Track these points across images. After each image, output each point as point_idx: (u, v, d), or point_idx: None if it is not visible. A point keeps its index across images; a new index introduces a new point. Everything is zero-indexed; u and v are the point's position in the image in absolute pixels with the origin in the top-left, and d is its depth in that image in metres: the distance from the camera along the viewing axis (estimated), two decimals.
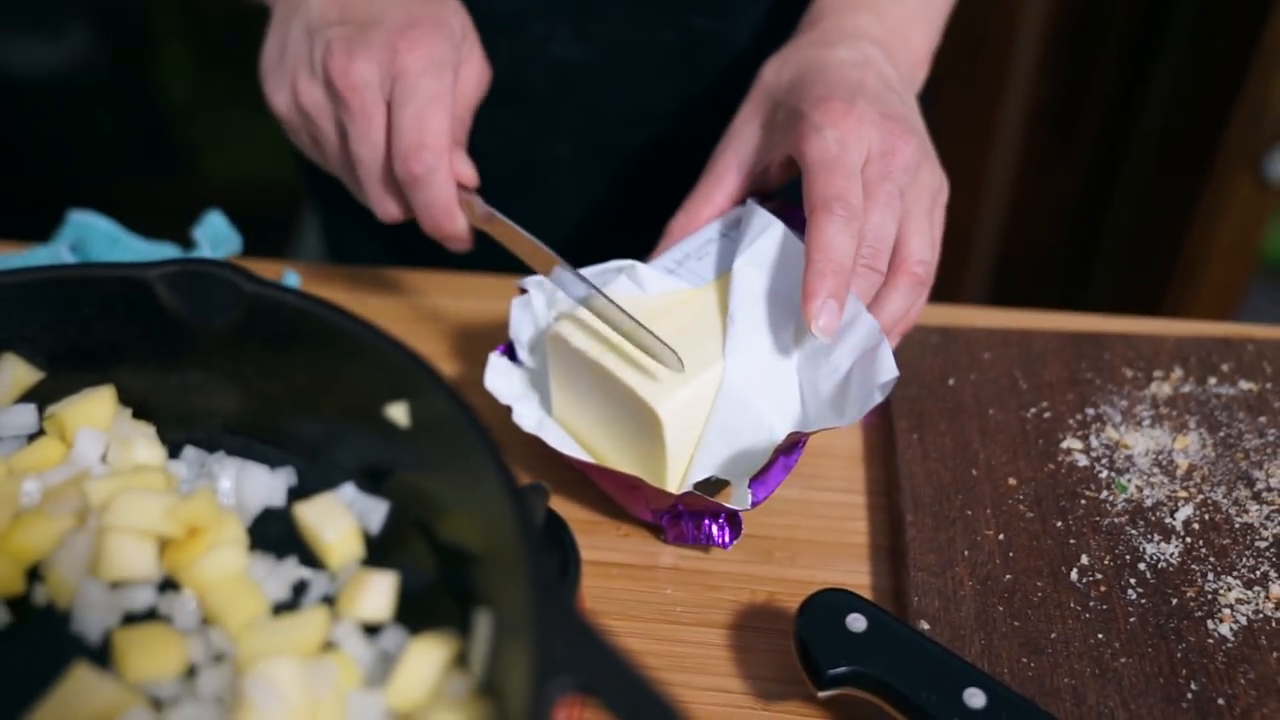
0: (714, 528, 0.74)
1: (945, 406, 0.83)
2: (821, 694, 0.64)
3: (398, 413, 0.55)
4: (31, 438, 0.62)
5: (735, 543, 0.74)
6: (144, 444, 0.60)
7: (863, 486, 0.81)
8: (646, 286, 0.77)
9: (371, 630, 0.54)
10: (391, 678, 0.50)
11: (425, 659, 0.51)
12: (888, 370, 0.71)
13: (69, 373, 0.62)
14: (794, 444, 0.73)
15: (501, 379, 0.79)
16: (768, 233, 0.77)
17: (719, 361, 0.73)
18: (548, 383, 0.79)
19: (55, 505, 0.57)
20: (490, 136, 0.95)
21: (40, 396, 0.63)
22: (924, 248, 0.76)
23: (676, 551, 0.76)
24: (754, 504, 0.71)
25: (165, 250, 0.95)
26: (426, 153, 0.77)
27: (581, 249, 0.87)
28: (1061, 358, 0.86)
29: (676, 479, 0.74)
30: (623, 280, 0.78)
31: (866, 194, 0.73)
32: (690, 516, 0.74)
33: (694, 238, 0.81)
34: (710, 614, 0.73)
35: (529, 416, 0.78)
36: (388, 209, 0.83)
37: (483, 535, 0.51)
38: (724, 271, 0.79)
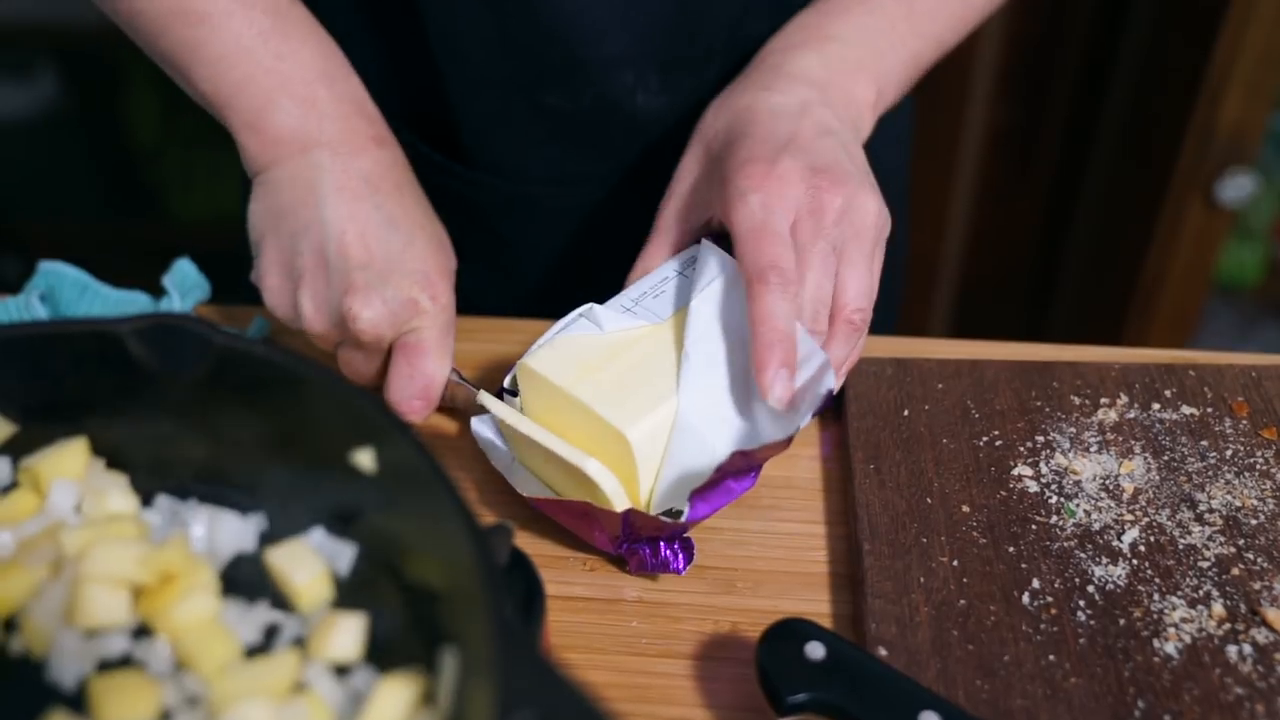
0: (668, 552, 0.76)
1: (900, 437, 0.85)
2: None
3: (364, 459, 0.57)
4: (5, 490, 0.63)
5: (689, 567, 0.77)
6: (117, 494, 0.62)
7: (822, 516, 0.83)
8: (604, 325, 0.80)
9: (342, 671, 0.56)
10: (361, 717, 0.52)
11: (394, 698, 0.53)
12: (828, 383, 0.73)
13: (42, 425, 0.64)
14: (745, 469, 0.75)
15: (485, 428, 0.83)
16: (721, 272, 0.80)
17: (674, 396, 0.76)
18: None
19: (30, 556, 0.59)
20: (551, 172, 0.98)
21: (14, 449, 0.64)
22: (860, 295, 0.78)
23: (641, 584, 0.78)
24: (692, 518, 0.74)
25: (135, 298, 0.96)
26: (421, 404, 0.84)
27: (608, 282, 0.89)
28: (1012, 386, 0.89)
29: (632, 501, 0.77)
30: (582, 322, 0.80)
31: (799, 256, 0.75)
32: (647, 543, 0.76)
33: (651, 276, 0.84)
34: (674, 645, 0.75)
35: (500, 460, 0.81)
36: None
37: (447, 575, 0.53)
38: (680, 307, 0.81)
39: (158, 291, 0.97)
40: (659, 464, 0.76)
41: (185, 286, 0.96)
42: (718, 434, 0.77)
